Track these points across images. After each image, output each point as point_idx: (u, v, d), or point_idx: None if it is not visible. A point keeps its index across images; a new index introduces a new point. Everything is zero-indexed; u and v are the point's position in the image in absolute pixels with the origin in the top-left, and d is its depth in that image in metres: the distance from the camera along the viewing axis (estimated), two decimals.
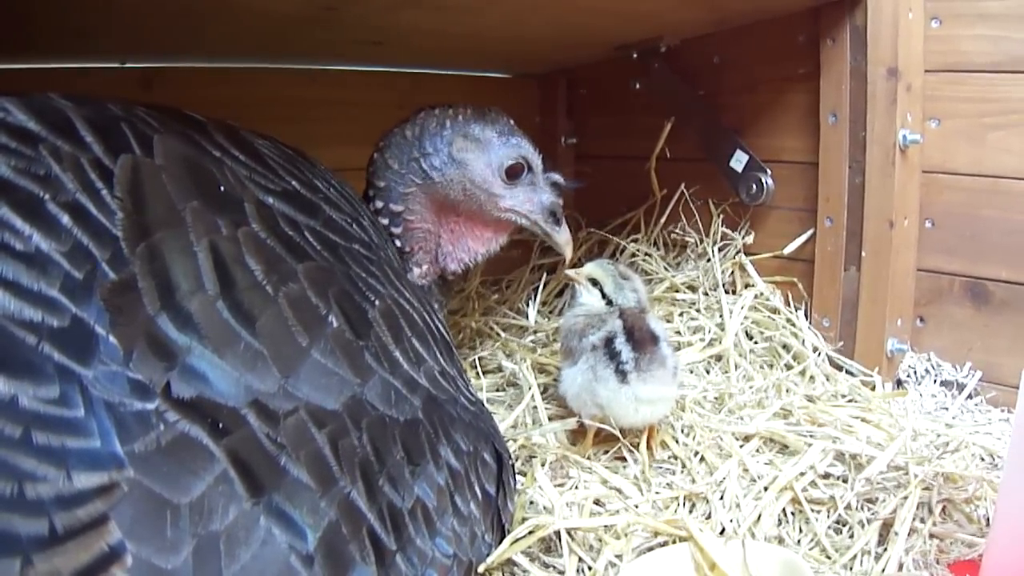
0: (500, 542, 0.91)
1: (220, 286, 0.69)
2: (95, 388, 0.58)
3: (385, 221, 1.17)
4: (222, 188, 0.77)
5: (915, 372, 1.50)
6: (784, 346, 1.54)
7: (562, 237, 1.27)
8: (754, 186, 1.65)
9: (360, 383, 0.78)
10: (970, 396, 1.43)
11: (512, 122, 1.23)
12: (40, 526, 0.52)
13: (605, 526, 1.01)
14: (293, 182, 0.89)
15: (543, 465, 1.15)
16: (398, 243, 1.18)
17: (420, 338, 0.93)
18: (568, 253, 1.30)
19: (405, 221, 1.19)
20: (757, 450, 1.21)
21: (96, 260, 0.63)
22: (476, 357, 1.57)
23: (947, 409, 1.40)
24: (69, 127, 0.69)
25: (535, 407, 1.32)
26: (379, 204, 1.17)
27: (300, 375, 0.72)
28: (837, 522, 1.06)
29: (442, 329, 1.06)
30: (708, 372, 1.49)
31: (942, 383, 1.47)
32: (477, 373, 1.52)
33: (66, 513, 0.53)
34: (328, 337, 0.76)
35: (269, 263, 0.75)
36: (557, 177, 1.25)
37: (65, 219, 0.63)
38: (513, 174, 1.20)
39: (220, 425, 0.63)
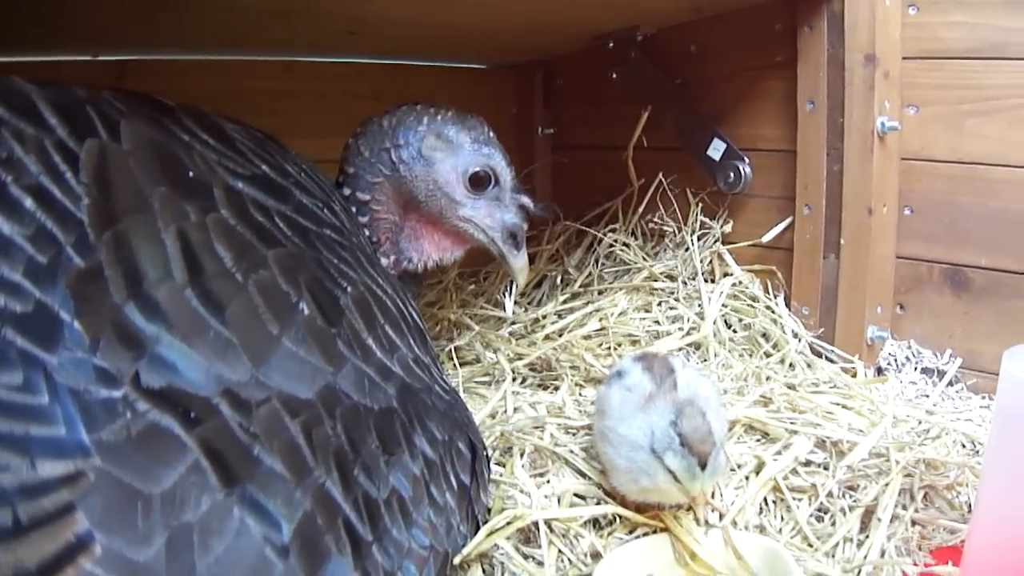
0: (475, 533, 0.90)
1: (189, 274, 0.67)
2: (60, 375, 0.56)
3: (353, 209, 1.15)
4: (191, 173, 0.75)
5: (895, 359, 1.50)
6: (764, 334, 1.54)
7: (518, 263, 1.25)
8: (732, 175, 1.65)
9: (333, 371, 0.76)
10: (951, 383, 1.43)
11: (492, 134, 1.21)
12: (3, 516, 0.50)
13: (584, 517, 1.01)
14: (263, 166, 0.88)
15: (522, 456, 1.14)
16: (367, 232, 1.17)
17: (393, 325, 0.92)
18: (521, 281, 1.29)
19: (371, 211, 1.17)
20: (738, 438, 1.20)
21: (61, 244, 0.61)
22: (452, 347, 1.56)
23: (928, 396, 1.40)
24: (32, 110, 0.67)
25: (515, 392, 1.30)
26: (347, 191, 1.16)
27: (272, 364, 0.70)
28: (819, 510, 1.05)
29: (415, 316, 1.05)
30: (687, 361, 1.48)
31: (923, 370, 1.47)
32: (454, 364, 1.50)
33: (30, 503, 0.52)
34: (299, 325, 0.75)
35: (239, 250, 0.73)
36: (525, 200, 1.22)
37: (28, 202, 0.61)
38: (477, 183, 1.18)
39: (191, 414, 0.62)
